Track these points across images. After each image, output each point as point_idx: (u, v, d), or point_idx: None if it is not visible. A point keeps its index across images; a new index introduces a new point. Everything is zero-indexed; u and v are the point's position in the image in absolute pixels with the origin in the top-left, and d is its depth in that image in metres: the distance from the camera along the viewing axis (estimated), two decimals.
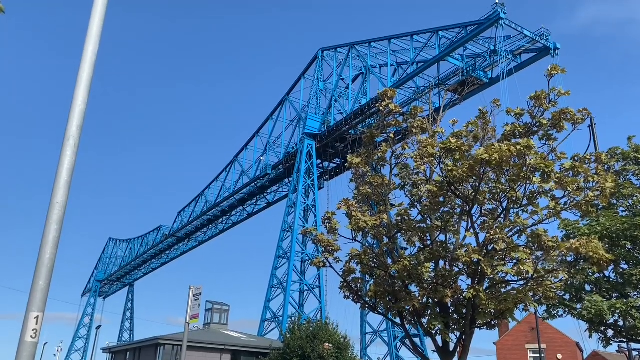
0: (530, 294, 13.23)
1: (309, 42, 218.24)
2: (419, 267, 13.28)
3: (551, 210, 13.18)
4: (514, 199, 13.37)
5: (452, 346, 14.15)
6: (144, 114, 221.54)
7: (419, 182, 14.47)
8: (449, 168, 12.84)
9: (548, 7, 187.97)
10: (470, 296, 12.83)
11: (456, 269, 13.84)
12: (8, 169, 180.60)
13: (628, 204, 20.68)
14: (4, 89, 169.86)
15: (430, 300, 14.16)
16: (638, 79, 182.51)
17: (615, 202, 20.81)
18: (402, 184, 14.92)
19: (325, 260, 14.91)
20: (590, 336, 20.51)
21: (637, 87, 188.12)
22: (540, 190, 13.32)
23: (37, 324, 5.09)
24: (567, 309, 20.30)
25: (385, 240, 14.69)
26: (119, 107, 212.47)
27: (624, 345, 23.89)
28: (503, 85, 45.21)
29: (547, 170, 12.58)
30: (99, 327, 65.35)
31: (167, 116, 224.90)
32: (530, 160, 12.59)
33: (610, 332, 20.64)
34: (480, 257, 12.47)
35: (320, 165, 63.46)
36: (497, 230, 12.56)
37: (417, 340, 48.11)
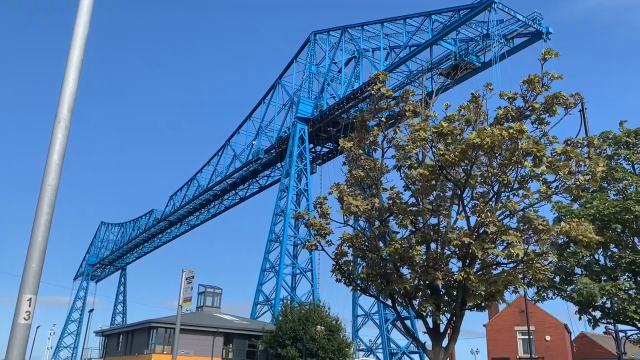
0: (520, 276, 13.38)
1: (301, 25, 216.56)
2: (411, 250, 13.38)
3: (542, 194, 13.28)
4: (505, 182, 13.45)
5: (442, 328, 14.33)
6: (135, 98, 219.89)
7: (414, 164, 14.51)
8: (441, 152, 12.88)
9: None
10: (461, 278, 12.97)
11: (447, 252, 13.97)
12: None
13: (619, 188, 20.82)
14: None
15: (422, 283, 14.30)
16: (639, 65, 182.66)
17: (606, 185, 20.94)
18: (398, 165, 14.93)
19: (317, 244, 14.99)
20: (580, 318, 20.77)
21: (638, 73, 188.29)
22: (532, 174, 13.39)
23: (30, 306, 5.10)
24: (557, 292, 20.52)
25: (377, 223, 14.76)
26: (109, 91, 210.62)
27: (611, 327, 24.23)
28: (495, 70, 45.16)
29: (538, 154, 12.64)
30: (91, 310, 65.33)
31: (159, 100, 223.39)
32: (522, 144, 12.64)
33: (598, 314, 20.90)
34: (471, 240, 12.58)
35: (313, 150, 63.33)
36: (488, 213, 12.64)
37: (408, 322, 48.50)
